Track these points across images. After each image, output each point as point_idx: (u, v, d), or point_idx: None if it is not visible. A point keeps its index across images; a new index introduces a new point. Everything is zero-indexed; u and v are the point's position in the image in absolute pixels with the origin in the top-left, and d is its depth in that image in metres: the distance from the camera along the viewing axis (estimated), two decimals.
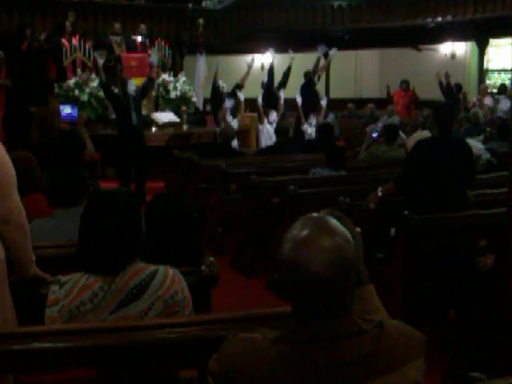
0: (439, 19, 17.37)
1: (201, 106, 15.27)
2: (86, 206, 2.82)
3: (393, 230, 5.39)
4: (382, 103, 17.10)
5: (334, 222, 1.88)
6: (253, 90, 19.13)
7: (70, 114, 11.91)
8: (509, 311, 3.22)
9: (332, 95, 19.13)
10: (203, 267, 3.26)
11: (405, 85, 16.86)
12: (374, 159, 9.03)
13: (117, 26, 14.23)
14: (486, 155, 8.56)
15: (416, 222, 5.01)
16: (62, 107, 11.74)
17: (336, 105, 16.86)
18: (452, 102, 14.46)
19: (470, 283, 4.67)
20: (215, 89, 13.21)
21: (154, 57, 11.86)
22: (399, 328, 1.95)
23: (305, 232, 1.83)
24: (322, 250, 1.79)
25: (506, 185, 4.37)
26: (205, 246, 7.83)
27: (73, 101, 12.61)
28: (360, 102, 17.63)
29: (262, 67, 20.42)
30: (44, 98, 10.38)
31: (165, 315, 2.70)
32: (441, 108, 5.77)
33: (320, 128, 10.16)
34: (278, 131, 10.01)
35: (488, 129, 11.43)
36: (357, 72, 21.86)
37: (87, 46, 13.26)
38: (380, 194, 5.60)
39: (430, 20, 17.49)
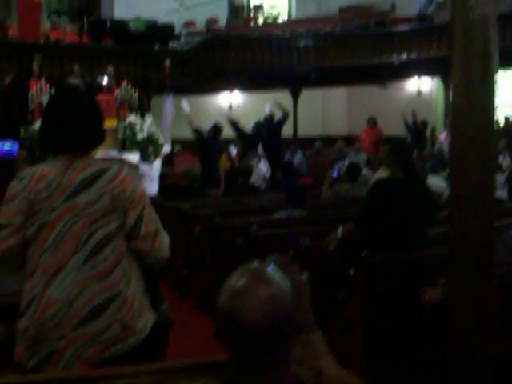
0: (404, 57, 17.66)
1: (169, 148, 15.29)
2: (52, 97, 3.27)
3: (351, 271, 5.39)
4: (350, 141, 17.23)
5: (271, 271, 1.89)
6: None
7: (9, 150, 11.45)
8: (456, 348, 3.24)
9: (300, 133, 19.29)
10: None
11: (372, 122, 17.01)
12: (336, 198, 9.05)
13: (75, 67, 14.13)
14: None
15: (374, 263, 5.03)
16: (1, 143, 11.37)
17: (304, 143, 16.99)
18: (415, 140, 14.66)
19: (416, 320, 4.73)
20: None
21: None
22: (339, 377, 1.96)
23: (241, 282, 1.85)
24: (257, 300, 1.80)
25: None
26: (170, 289, 7.85)
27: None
28: (328, 140, 17.74)
29: (230, 106, 20.56)
30: None
31: (111, 209, 2.88)
32: (397, 147, 5.80)
33: (283, 166, 10.19)
34: (240, 171, 10.04)
35: None
36: (324, 110, 22.02)
37: (53, 89, 13.22)
38: (339, 234, 5.60)
39: (395, 57, 17.78)
